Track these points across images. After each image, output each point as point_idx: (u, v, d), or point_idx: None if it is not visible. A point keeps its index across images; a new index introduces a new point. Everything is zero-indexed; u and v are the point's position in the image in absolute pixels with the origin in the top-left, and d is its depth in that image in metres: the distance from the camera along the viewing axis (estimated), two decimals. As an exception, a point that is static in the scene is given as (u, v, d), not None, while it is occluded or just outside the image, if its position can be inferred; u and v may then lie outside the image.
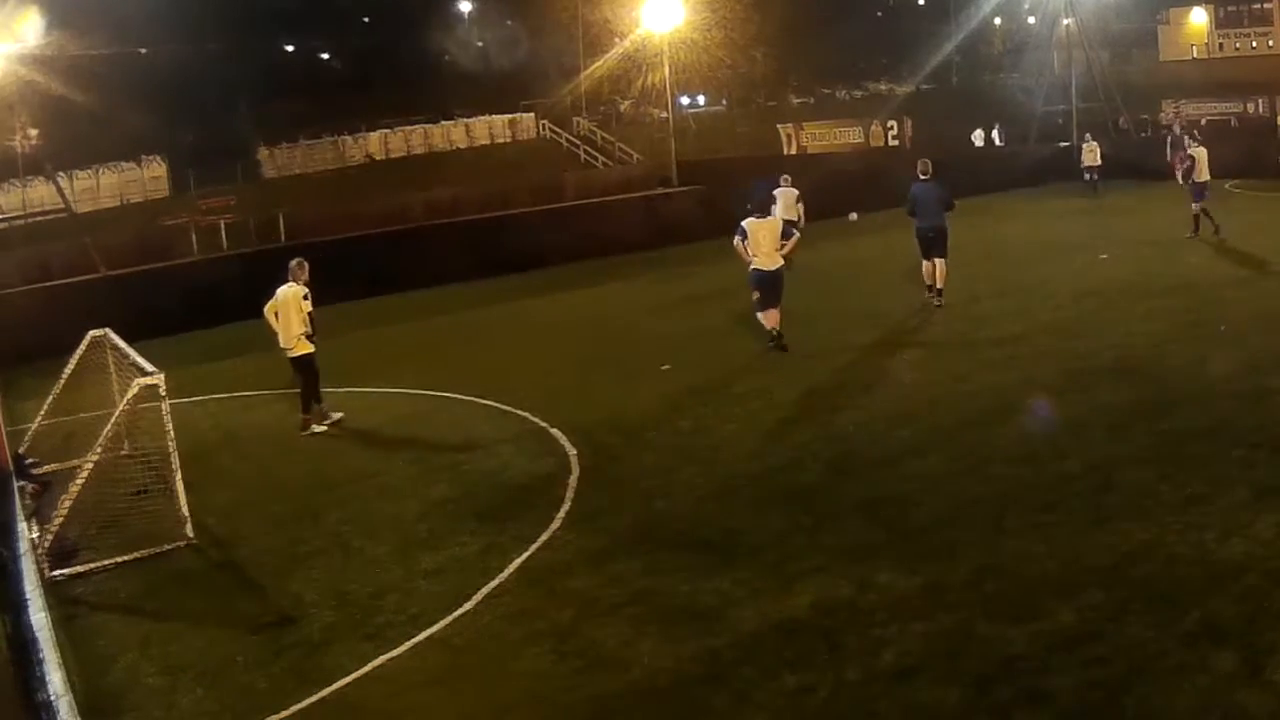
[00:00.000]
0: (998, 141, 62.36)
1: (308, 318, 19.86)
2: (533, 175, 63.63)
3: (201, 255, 41.57)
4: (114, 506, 15.14)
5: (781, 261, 22.33)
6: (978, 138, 63.69)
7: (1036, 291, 25.75)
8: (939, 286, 25.31)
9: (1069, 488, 13.78)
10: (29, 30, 44.24)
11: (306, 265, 20.29)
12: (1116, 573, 11.35)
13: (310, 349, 19.97)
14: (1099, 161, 45.95)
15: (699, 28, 64.40)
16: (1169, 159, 39.83)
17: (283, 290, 19.99)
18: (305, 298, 19.89)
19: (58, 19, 46.92)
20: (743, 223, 22.16)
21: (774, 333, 22.41)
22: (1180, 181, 34.20)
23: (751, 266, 22.23)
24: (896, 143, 67.36)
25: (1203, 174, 32.15)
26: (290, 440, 19.91)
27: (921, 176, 25.31)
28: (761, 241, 22.06)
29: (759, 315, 22.54)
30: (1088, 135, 48.86)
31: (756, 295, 22.46)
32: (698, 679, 10.29)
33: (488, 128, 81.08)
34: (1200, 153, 32.46)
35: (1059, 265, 28.94)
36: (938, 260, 25.20)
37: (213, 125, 74.16)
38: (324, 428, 20.10)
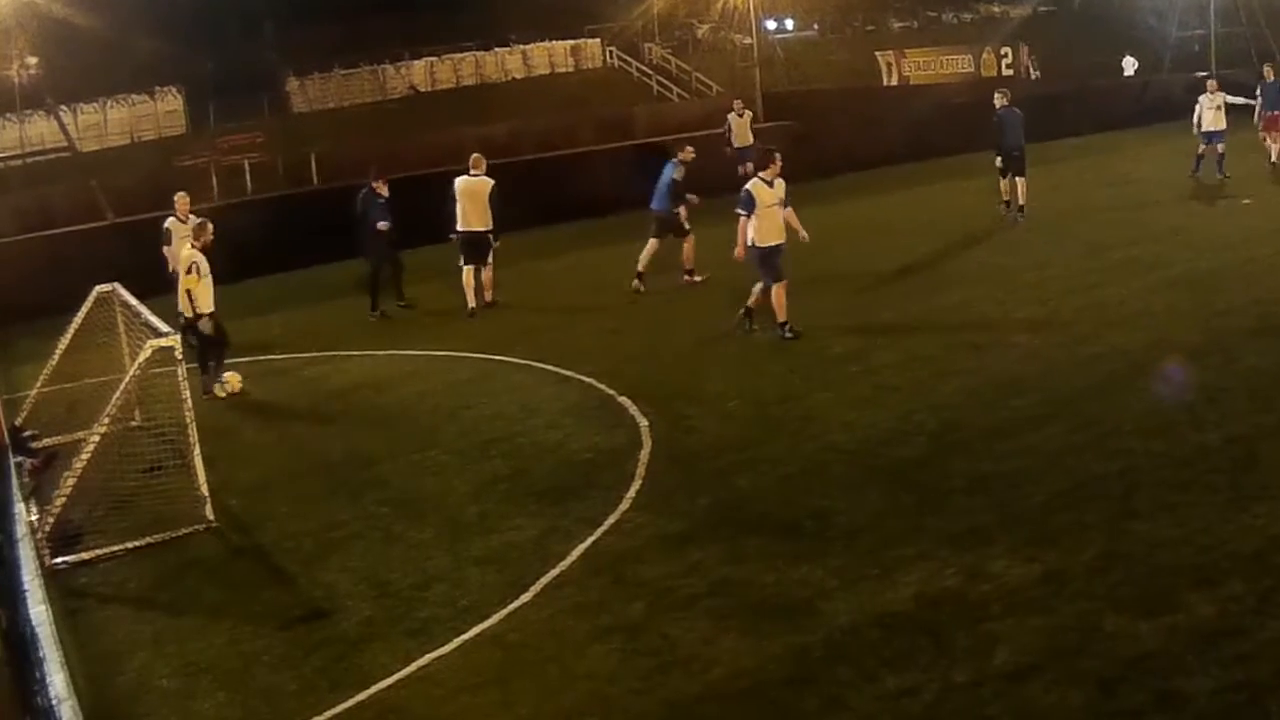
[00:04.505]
0: (1129, 71, 61.54)
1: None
2: (599, 109, 63.56)
3: (223, 200, 41.75)
4: (124, 485, 15.31)
5: None
6: (1133, 67, 62.60)
7: (1170, 240, 25.54)
8: (1021, 203, 30.57)
9: (1207, 463, 13.69)
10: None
11: (210, 226, 21.54)
12: (1261, 560, 11.26)
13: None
14: (1224, 124, 35.09)
15: (787, -59, 63.97)
16: None
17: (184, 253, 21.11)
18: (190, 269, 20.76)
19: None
20: None
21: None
22: None
23: None
24: (1011, 72, 66.82)
25: None
26: (323, 410, 20.06)
27: (1003, 104, 31.01)
28: None
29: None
30: (1209, 83, 37.18)
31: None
32: (785, 680, 10.27)
33: (547, 55, 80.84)
34: None
35: (1196, 211, 28.69)
36: (1019, 179, 30.55)
37: (235, 53, 74.37)
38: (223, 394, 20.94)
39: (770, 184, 20.94)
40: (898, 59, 73.35)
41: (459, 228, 25.75)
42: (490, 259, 25.98)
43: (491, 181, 25.80)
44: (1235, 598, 10.56)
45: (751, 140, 38.49)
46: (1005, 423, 15.79)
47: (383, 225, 25.83)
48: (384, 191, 26.49)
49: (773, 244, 20.86)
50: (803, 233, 21.28)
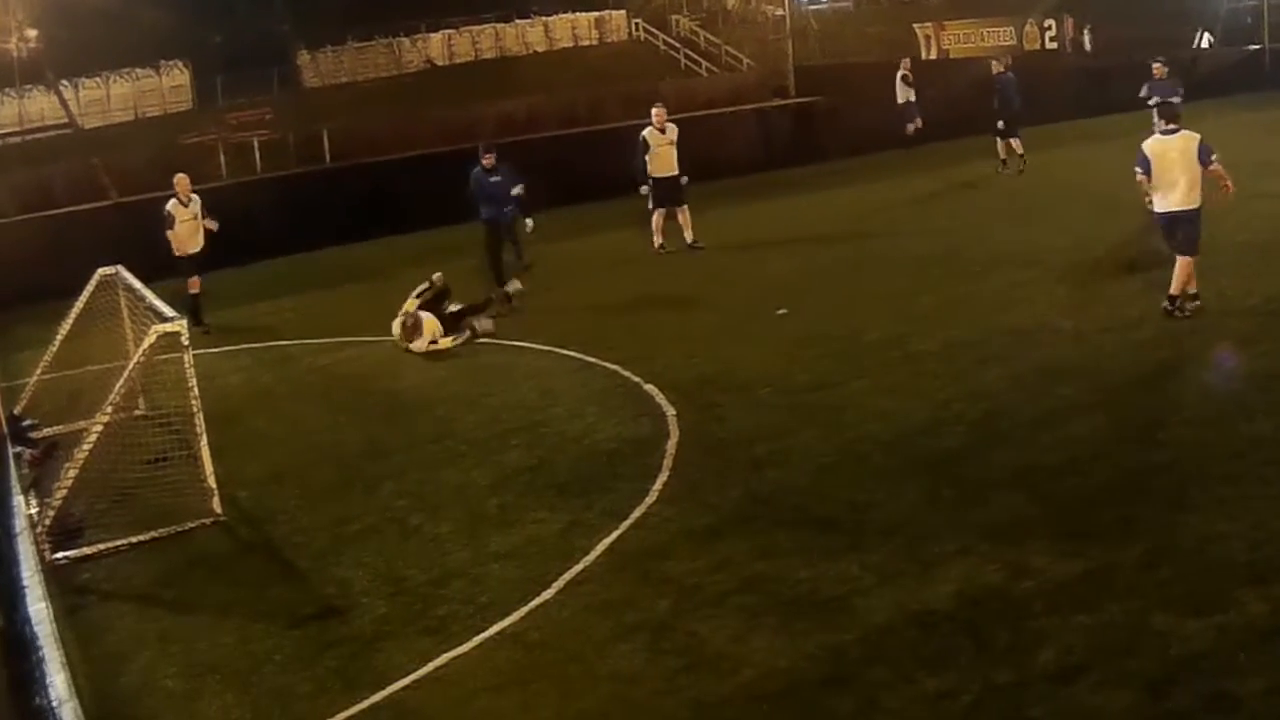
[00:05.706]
0: (1204, 45, 61.25)
1: None
2: (624, 84, 63.30)
3: (231, 179, 41.83)
4: (127, 477, 15.33)
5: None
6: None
7: (1220, 221, 25.31)
8: (1020, 153, 35.34)
9: (1259, 454, 13.60)
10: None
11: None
12: (1317, 556, 11.21)
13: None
14: None
15: (821, -94, 63.77)
16: None
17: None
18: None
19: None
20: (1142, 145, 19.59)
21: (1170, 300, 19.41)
22: None
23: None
24: (1055, 45, 66.54)
25: None
26: (337, 399, 20.08)
27: (1000, 70, 35.52)
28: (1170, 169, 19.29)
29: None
30: None
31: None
32: (819, 681, 10.24)
33: (570, 27, 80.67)
34: None
35: (1246, 191, 28.47)
36: (1014, 140, 35.27)
37: (244, 25, 74.41)
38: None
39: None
40: (937, 31, 72.96)
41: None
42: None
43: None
44: (1290, 595, 10.52)
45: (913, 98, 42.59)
46: (1049, 412, 15.72)
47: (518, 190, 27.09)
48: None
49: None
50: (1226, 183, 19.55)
